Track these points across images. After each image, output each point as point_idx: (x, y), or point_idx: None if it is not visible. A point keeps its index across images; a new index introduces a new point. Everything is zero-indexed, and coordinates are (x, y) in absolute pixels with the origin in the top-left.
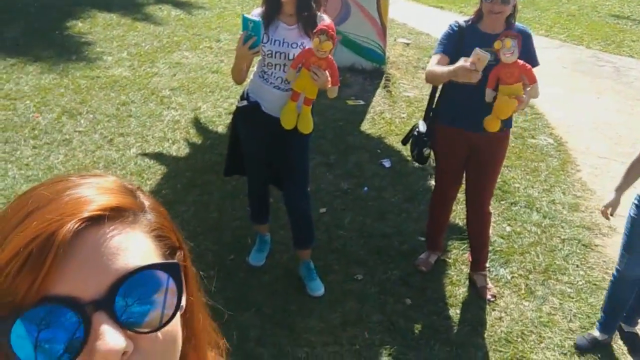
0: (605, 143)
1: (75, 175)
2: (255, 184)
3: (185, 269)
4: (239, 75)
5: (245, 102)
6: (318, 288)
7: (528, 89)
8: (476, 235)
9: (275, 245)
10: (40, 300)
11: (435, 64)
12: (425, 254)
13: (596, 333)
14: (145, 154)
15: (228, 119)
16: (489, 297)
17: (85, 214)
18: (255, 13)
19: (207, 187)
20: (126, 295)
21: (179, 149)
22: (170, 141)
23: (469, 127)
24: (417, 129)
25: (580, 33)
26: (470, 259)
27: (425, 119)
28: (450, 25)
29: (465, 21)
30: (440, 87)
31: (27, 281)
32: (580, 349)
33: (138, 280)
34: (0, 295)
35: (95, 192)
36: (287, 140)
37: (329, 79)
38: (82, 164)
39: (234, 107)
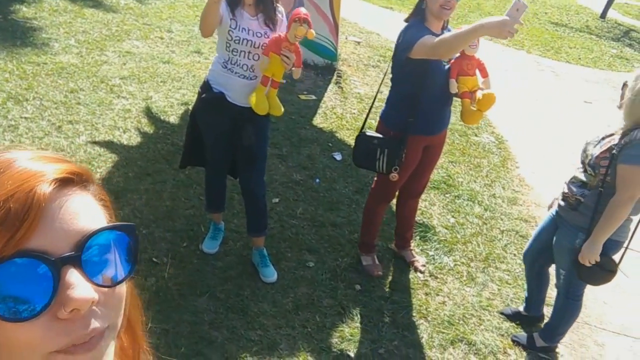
0: (542, 142)
1: (10, 147)
2: (215, 174)
3: None
4: (213, 20)
5: (210, 93)
6: (271, 274)
7: (482, 81)
8: (410, 218)
9: (229, 233)
10: (14, 254)
11: (435, 39)
12: (369, 259)
13: (520, 308)
14: (95, 142)
15: (180, 110)
16: (420, 268)
17: (54, 176)
18: None
19: (160, 176)
20: (91, 252)
21: (130, 138)
22: (121, 130)
23: (433, 131)
24: (383, 141)
25: (521, 39)
26: (395, 238)
27: (362, 128)
28: (412, 25)
29: (413, 22)
30: (398, 97)
31: (4, 236)
32: (504, 314)
33: (101, 239)
34: None
35: (45, 162)
36: (249, 129)
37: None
38: None
39: (186, 98)
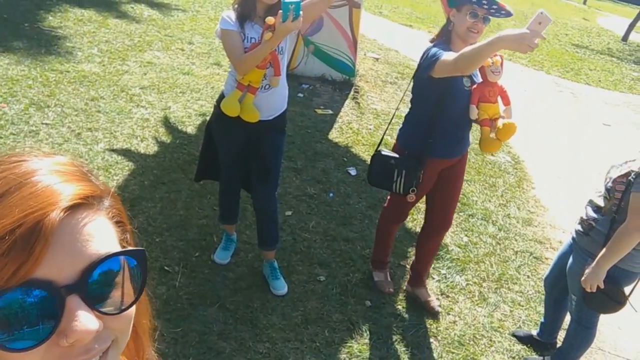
0: (559, 164)
1: (28, 154)
2: (229, 186)
3: None
4: (257, 62)
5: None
6: (281, 287)
7: (503, 109)
8: (430, 255)
9: (241, 244)
10: (21, 284)
11: (455, 54)
12: (381, 275)
13: (534, 332)
14: (113, 150)
15: (198, 120)
16: (436, 308)
17: (65, 204)
18: (226, 15)
19: (175, 185)
20: (97, 279)
21: (148, 147)
22: (139, 138)
23: (451, 154)
24: (400, 161)
25: (541, 59)
26: (411, 275)
27: (378, 147)
28: (436, 45)
29: (437, 43)
30: (407, 119)
31: (12, 266)
32: (516, 336)
33: (108, 265)
34: None
35: (60, 179)
36: (263, 143)
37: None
38: None
39: (204, 109)
